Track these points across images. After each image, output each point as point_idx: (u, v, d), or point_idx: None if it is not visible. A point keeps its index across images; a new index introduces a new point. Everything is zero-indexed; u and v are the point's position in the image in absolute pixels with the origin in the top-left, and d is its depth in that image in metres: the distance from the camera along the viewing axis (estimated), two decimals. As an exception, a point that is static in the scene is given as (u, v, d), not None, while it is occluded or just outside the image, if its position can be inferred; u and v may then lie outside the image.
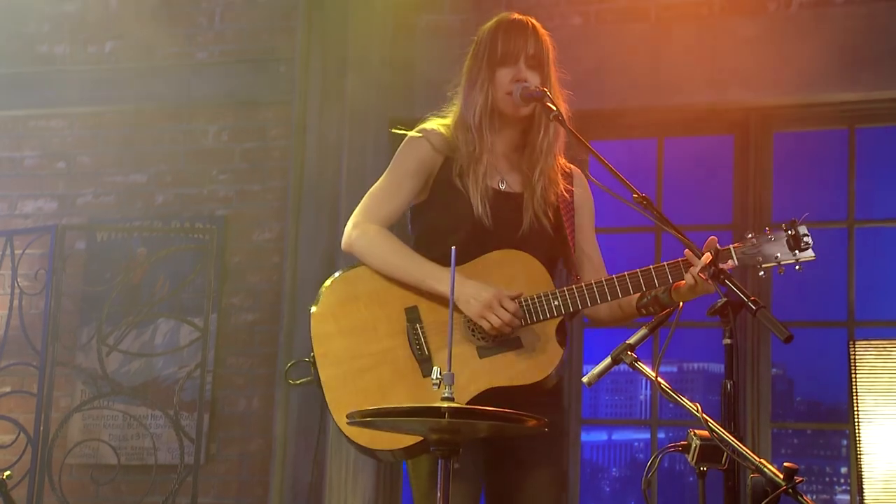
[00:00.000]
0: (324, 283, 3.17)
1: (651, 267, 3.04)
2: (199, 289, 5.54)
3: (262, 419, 5.52)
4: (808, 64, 5.13)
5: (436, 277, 3.03)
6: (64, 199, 6.03)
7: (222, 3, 5.96)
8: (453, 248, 2.61)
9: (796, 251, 3.01)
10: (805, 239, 3.01)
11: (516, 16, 3.23)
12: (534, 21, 3.22)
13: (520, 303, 3.03)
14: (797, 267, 3.02)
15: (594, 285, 3.04)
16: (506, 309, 2.99)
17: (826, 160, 5.65)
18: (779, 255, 3.01)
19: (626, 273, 3.04)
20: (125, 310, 5.62)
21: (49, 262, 5.39)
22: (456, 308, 3.01)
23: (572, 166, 3.29)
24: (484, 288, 3.00)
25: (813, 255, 3.03)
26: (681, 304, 3.01)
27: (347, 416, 2.60)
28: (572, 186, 3.26)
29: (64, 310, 5.55)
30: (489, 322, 2.99)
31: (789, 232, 3.02)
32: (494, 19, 3.24)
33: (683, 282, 3.01)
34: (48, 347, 5.31)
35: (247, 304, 5.69)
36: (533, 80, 3.14)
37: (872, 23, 5.09)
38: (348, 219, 3.23)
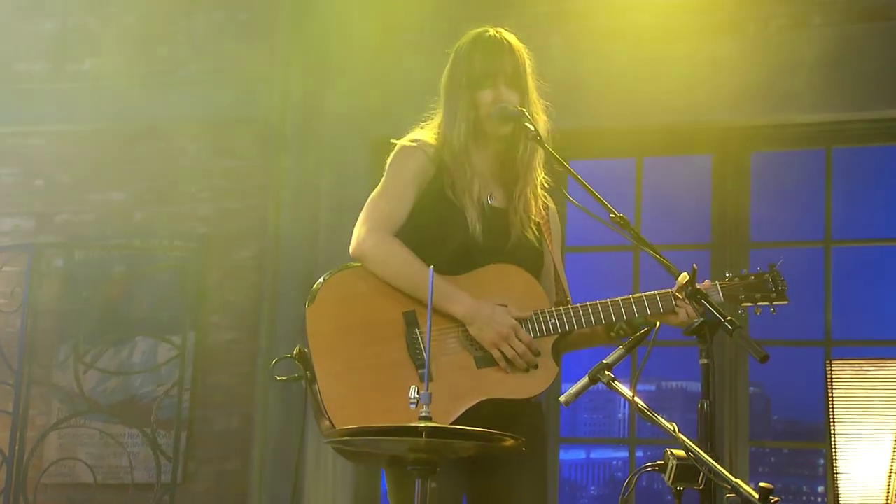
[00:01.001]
0: (317, 281, 3.13)
1: (643, 294, 3.11)
2: (177, 307, 5.52)
3: (240, 438, 5.50)
4: (785, 84, 5.17)
5: (444, 294, 3.03)
6: (42, 216, 6.00)
7: (202, 22, 5.96)
8: (431, 268, 2.61)
9: (773, 294, 3.13)
10: (783, 282, 3.14)
11: (491, 32, 3.24)
12: (508, 37, 3.23)
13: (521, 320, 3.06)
14: (772, 309, 3.15)
15: (589, 307, 3.09)
16: (521, 341, 3.02)
17: (803, 180, 5.68)
18: (758, 295, 3.14)
19: (619, 298, 3.10)
20: (103, 328, 5.60)
21: (26, 280, 5.38)
22: (454, 320, 3.03)
23: (545, 193, 3.32)
24: (503, 314, 3.03)
25: (787, 299, 3.16)
26: (657, 322, 3.03)
27: (326, 435, 2.60)
28: (546, 210, 3.30)
29: (41, 328, 5.54)
30: (503, 353, 3.01)
31: (767, 275, 3.15)
32: (470, 37, 3.25)
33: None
34: (24, 366, 5.29)
35: (225, 322, 5.67)
36: (512, 98, 3.17)
37: (849, 44, 5.13)
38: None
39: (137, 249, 5.76)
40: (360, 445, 2.73)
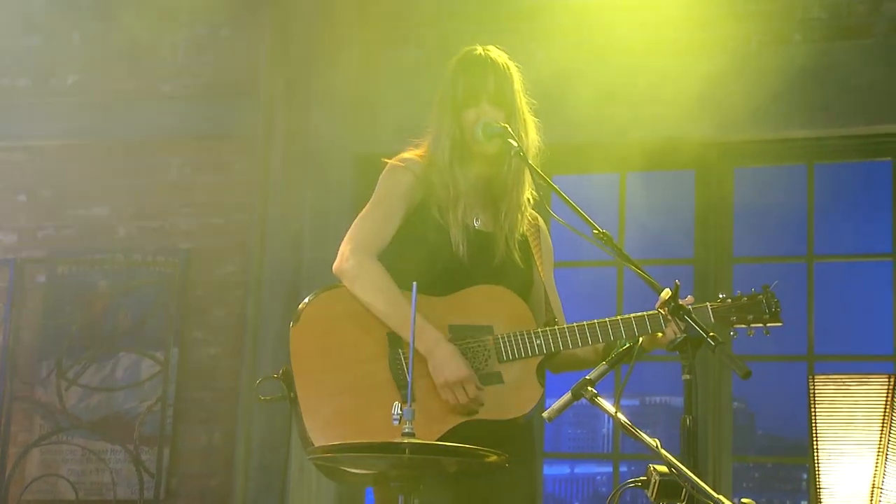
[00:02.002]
0: (303, 300, 3.14)
1: (632, 316, 3.09)
2: (160, 322, 5.51)
3: (223, 454, 5.48)
4: (767, 100, 5.19)
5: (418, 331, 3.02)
6: (24, 232, 5.99)
7: (186, 37, 5.96)
8: (414, 283, 2.61)
9: (766, 315, 3.12)
10: (776, 304, 3.13)
11: (477, 51, 3.24)
12: (493, 55, 3.22)
13: (501, 340, 3.05)
14: (765, 331, 3.14)
15: (576, 328, 3.08)
16: (466, 393, 3.00)
17: (785, 196, 5.70)
18: (751, 317, 3.12)
19: (606, 319, 3.09)
20: (86, 344, 5.58)
21: (8, 296, 5.35)
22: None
23: (536, 213, 3.31)
24: (457, 365, 3.00)
25: (782, 321, 3.15)
26: (640, 338, 3.03)
27: (308, 451, 2.59)
28: (537, 230, 3.30)
29: (23, 344, 5.51)
30: (446, 396, 3.00)
31: (760, 297, 3.13)
32: (457, 57, 3.26)
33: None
34: (6, 382, 5.26)
35: (209, 338, 5.66)
36: (497, 116, 3.15)
37: (830, 60, 5.16)
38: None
39: (120, 265, 5.75)
40: (343, 462, 2.72)
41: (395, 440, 2.42)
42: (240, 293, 5.61)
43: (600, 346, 3.17)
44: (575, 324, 3.10)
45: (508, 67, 3.22)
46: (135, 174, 5.91)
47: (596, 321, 3.09)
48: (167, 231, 5.82)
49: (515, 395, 3.05)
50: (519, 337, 3.06)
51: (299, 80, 5.58)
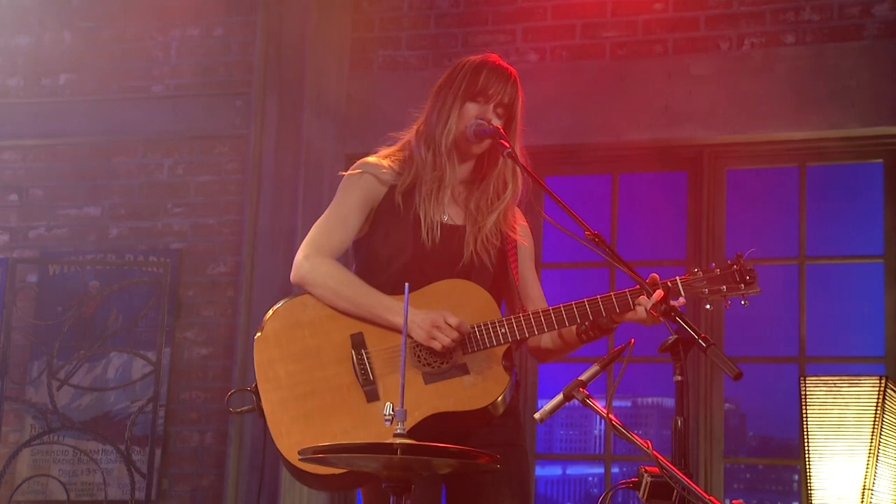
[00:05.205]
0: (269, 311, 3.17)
1: (598, 297, 3.06)
2: (152, 322, 5.50)
3: (214, 455, 5.47)
4: (759, 102, 5.21)
5: (386, 307, 3.05)
6: (16, 231, 5.98)
7: (178, 37, 5.95)
8: (406, 284, 2.62)
9: (742, 284, 3.04)
10: (750, 272, 3.05)
11: (503, 63, 3.25)
12: (517, 75, 3.24)
13: (470, 329, 3.05)
14: (743, 301, 3.07)
15: (541, 314, 3.07)
16: (450, 325, 3.01)
17: (777, 197, 5.71)
18: (724, 288, 3.04)
19: (573, 303, 3.07)
20: (77, 344, 5.57)
21: None
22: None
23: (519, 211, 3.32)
24: (426, 312, 3.03)
25: (758, 289, 3.06)
26: (632, 340, 3.02)
27: (300, 453, 2.59)
28: (518, 224, 3.30)
29: (14, 344, 5.50)
30: (439, 342, 3.01)
31: (735, 266, 3.06)
32: (483, 56, 3.25)
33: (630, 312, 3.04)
34: (-3, 382, 5.25)
35: (201, 338, 5.65)
36: (496, 124, 3.16)
37: (822, 62, 5.17)
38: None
39: (112, 264, 5.74)
40: (333, 463, 2.72)
41: (387, 441, 2.41)
42: (231, 293, 5.61)
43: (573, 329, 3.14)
44: (541, 309, 3.09)
45: (522, 92, 3.24)
46: (126, 174, 5.90)
47: (562, 305, 3.07)
48: (159, 231, 5.81)
49: (481, 385, 3.05)
50: (483, 328, 3.06)
51: (292, 80, 5.58)
